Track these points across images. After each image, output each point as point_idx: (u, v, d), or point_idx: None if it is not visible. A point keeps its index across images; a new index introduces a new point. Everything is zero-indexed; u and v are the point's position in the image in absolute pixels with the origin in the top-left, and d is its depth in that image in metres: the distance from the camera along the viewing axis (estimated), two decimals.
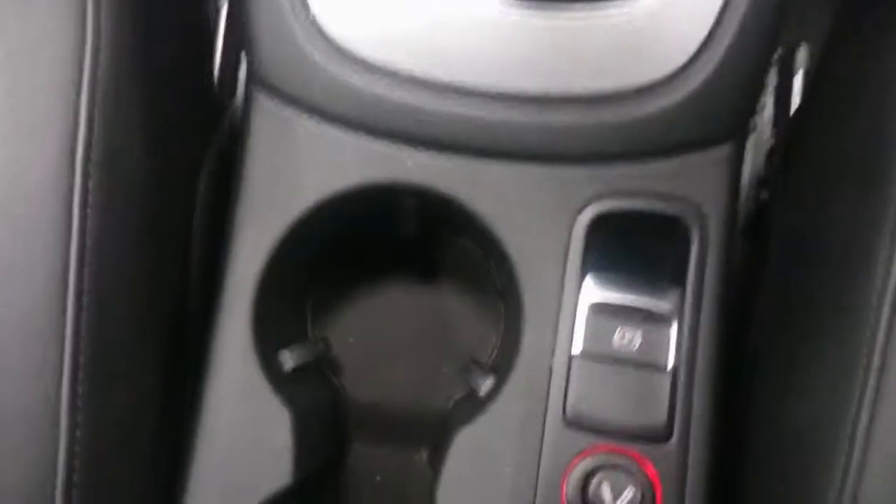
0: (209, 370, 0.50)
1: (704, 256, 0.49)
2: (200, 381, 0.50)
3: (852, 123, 0.49)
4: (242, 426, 0.49)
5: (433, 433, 0.60)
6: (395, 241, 0.62)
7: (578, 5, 0.47)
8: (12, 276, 0.42)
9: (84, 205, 0.43)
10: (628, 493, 0.47)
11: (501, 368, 0.52)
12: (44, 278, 0.42)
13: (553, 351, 0.49)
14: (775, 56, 0.70)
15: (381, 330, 0.62)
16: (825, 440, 0.43)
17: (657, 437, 0.48)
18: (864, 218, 0.44)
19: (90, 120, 0.43)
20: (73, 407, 0.42)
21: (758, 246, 0.60)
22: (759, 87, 0.52)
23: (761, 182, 0.66)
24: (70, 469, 0.42)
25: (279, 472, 0.49)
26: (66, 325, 0.42)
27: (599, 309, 0.49)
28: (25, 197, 0.42)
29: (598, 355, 0.48)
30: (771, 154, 0.69)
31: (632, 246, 0.50)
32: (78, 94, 0.43)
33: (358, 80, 0.48)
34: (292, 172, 0.50)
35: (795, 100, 0.72)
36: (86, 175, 0.43)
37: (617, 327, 0.49)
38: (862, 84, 0.49)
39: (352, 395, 0.62)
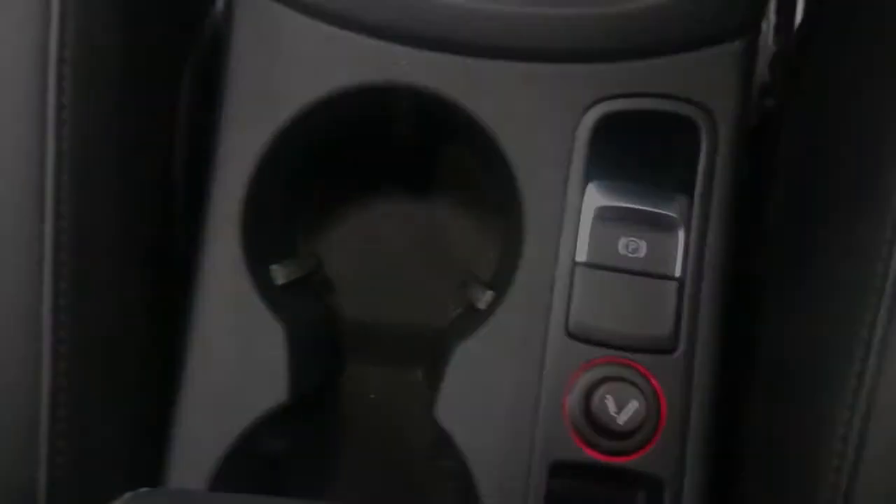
0: (198, 283, 0.48)
1: (714, 160, 0.47)
2: (189, 295, 0.48)
3: (869, 31, 0.47)
4: (235, 341, 0.48)
5: (429, 351, 0.59)
6: (389, 154, 0.60)
7: None
8: None
9: (59, 105, 0.40)
10: (632, 405, 0.46)
11: (501, 281, 0.50)
12: (19, 183, 0.40)
13: (556, 260, 0.47)
14: None
15: (375, 246, 0.61)
16: (837, 354, 0.42)
17: (662, 348, 0.47)
18: (884, 124, 0.42)
19: (63, 15, 0.40)
20: (55, 323, 0.41)
21: (762, 155, 0.58)
22: None
23: (765, 90, 0.64)
24: (55, 389, 0.41)
25: (274, 389, 0.48)
26: (45, 235, 0.40)
27: (604, 216, 0.47)
28: None
29: (603, 264, 0.47)
30: (774, 62, 0.67)
31: (637, 151, 0.49)
32: None
33: None
34: (280, 73, 0.47)
35: (800, 5, 0.69)
36: (60, 70, 0.40)
37: (622, 235, 0.47)
38: None
39: (346, 313, 0.61)
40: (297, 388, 0.49)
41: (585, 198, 0.47)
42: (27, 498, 0.40)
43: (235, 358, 0.48)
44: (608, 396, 0.46)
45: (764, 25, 0.69)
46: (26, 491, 0.40)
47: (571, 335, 0.47)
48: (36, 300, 0.40)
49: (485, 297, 0.51)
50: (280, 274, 0.52)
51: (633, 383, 0.46)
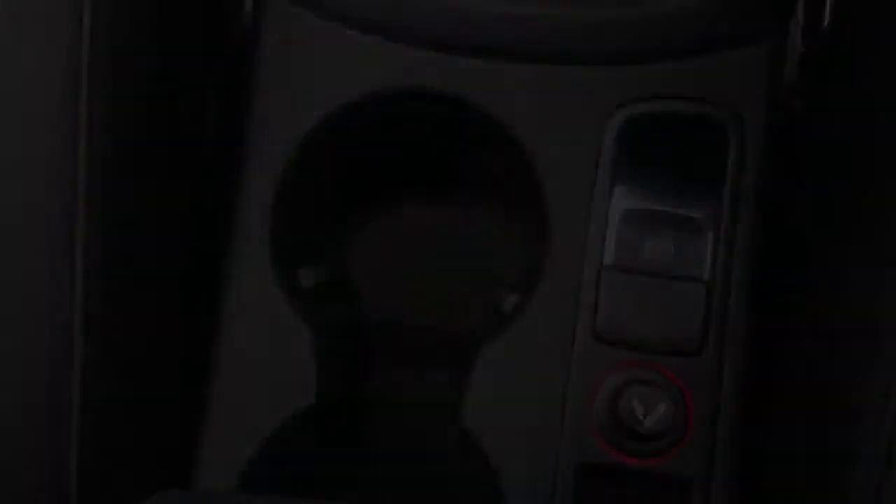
0: (226, 286, 0.49)
1: (742, 162, 0.47)
2: (218, 297, 0.49)
3: None
4: (262, 344, 0.48)
5: (455, 353, 0.59)
6: (414, 156, 0.60)
7: None
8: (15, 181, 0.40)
9: (90, 114, 0.41)
10: (660, 408, 0.46)
11: (527, 283, 0.50)
12: (51, 191, 0.41)
13: (582, 263, 0.47)
14: None
15: (401, 249, 0.61)
16: (865, 350, 0.41)
17: (690, 350, 0.47)
18: None
19: (94, 23, 0.41)
20: (86, 322, 0.41)
21: (790, 156, 0.58)
22: None
23: (793, 90, 0.64)
24: (85, 388, 0.41)
25: (301, 390, 0.48)
26: (76, 239, 0.41)
27: (631, 218, 0.47)
28: (26, 105, 0.41)
29: (630, 267, 0.47)
30: (803, 62, 0.66)
31: (665, 153, 0.49)
32: None
33: None
34: (307, 78, 0.48)
35: (828, 6, 0.69)
36: (92, 78, 0.40)
37: (649, 238, 0.47)
38: None
39: (372, 316, 0.61)
40: (323, 390, 0.49)
41: (612, 200, 0.47)
42: (58, 497, 0.41)
43: (263, 360, 0.48)
44: (635, 399, 0.46)
45: (792, 26, 0.69)
46: (57, 490, 0.41)
47: (598, 338, 0.47)
48: (68, 300, 0.41)
49: (510, 300, 0.51)
50: (307, 277, 0.53)
51: (660, 386, 0.46)
